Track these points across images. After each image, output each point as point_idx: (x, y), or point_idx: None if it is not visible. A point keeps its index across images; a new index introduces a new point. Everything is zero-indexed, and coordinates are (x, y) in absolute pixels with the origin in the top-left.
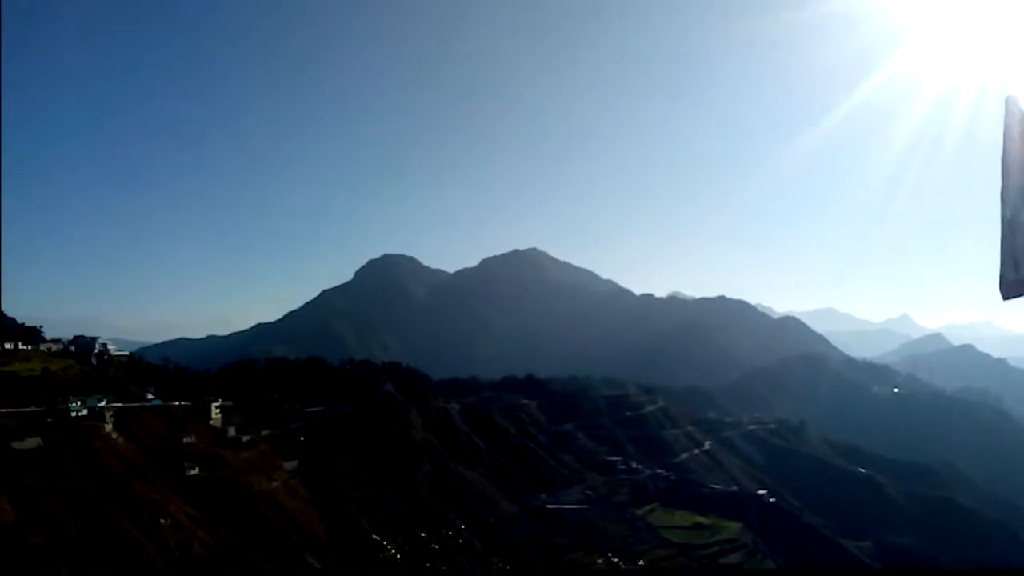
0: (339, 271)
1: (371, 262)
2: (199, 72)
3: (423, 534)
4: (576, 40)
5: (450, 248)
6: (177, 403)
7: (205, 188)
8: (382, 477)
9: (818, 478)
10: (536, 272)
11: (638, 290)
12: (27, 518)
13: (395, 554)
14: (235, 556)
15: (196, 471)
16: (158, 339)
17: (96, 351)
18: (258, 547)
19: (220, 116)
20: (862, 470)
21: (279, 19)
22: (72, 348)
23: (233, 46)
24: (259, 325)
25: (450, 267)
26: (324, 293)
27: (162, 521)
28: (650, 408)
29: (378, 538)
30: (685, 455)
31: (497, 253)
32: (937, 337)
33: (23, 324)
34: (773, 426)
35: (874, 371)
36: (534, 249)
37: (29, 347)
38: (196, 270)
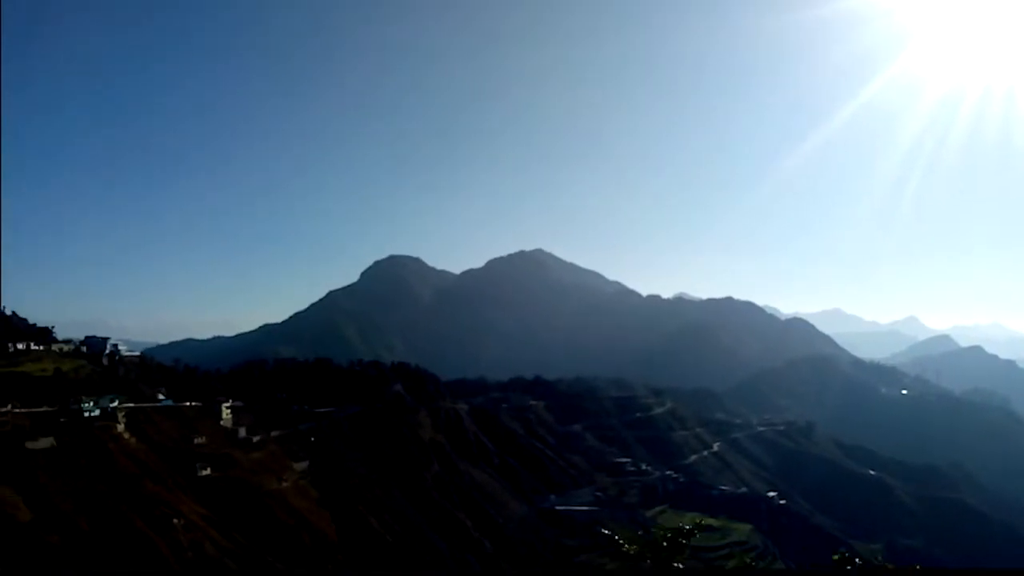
0: (345, 272)
1: (377, 263)
2: (209, 75)
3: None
4: (584, 44)
5: (456, 249)
6: (188, 403)
7: (212, 190)
8: (392, 478)
9: (827, 480)
10: (542, 273)
11: (645, 291)
12: (43, 518)
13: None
14: (247, 556)
15: (207, 471)
16: (164, 340)
17: (107, 352)
18: (269, 547)
19: (228, 119)
20: (872, 472)
21: (287, 24)
22: (83, 349)
23: (242, 49)
24: (265, 326)
25: (456, 268)
26: (330, 294)
27: (175, 521)
28: (658, 410)
29: (389, 539)
30: (694, 457)
31: (503, 254)
32: (945, 339)
33: (35, 325)
34: (782, 428)
35: (882, 372)
36: (540, 250)
37: (41, 348)
38: (202, 271)
